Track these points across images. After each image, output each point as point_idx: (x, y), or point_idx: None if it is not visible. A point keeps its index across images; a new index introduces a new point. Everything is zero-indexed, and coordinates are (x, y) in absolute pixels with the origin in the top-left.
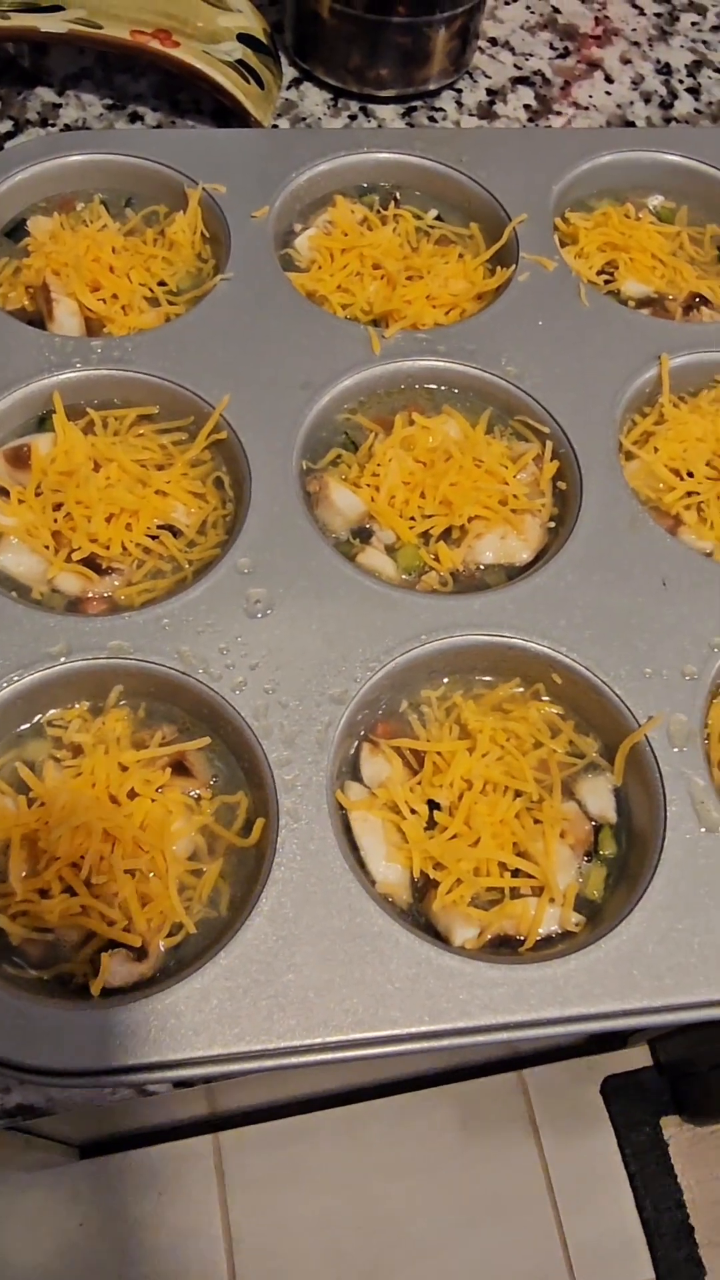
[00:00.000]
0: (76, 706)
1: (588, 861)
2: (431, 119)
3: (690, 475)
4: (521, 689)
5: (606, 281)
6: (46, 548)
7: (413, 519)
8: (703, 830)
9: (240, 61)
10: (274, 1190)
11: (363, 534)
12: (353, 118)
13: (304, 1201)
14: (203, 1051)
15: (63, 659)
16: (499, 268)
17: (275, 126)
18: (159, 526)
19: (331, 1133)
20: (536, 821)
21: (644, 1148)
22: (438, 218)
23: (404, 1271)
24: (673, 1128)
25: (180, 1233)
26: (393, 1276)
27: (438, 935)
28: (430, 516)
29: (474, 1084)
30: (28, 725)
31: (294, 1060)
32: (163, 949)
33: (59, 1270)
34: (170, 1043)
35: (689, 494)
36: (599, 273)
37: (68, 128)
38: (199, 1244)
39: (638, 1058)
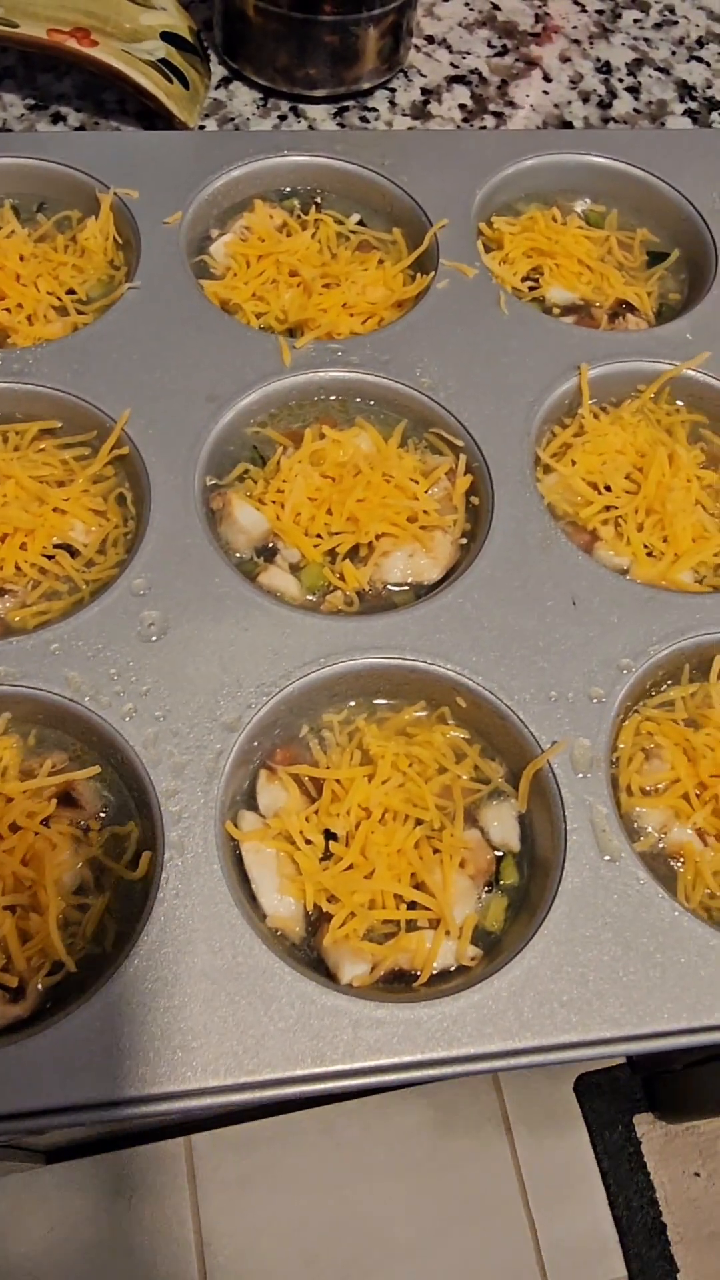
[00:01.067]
0: None
1: (489, 891)
2: (364, 119)
3: (608, 489)
4: (426, 713)
5: (531, 288)
6: None
7: (319, 536)
8: (605, 858)
9: (163, 60)
10: (247, 1193)
11: (267, 552)
12: (283, 118)
13: (277, 1204)
14: (74, 1098)
15: None
16: (419, 274)
17: (203, 128)
18: (56, 545)
19: (305, 1134)
20: (436, 851)
21: (617, 1146)
22: (360, 223)
23: (378, 1274)
24: (645, 1126)
25: (152, 1237)
26: (367, 1278)
27: (328, 972)
28: (337, 534)
29: (448, 1083)
30: None
31: (170, 1106)
32: (41, 989)
33: (29, 1275)
34: (35, 1091)
35: (607, 508)
36: (524, 279)
37: None
38: (171, 1248)
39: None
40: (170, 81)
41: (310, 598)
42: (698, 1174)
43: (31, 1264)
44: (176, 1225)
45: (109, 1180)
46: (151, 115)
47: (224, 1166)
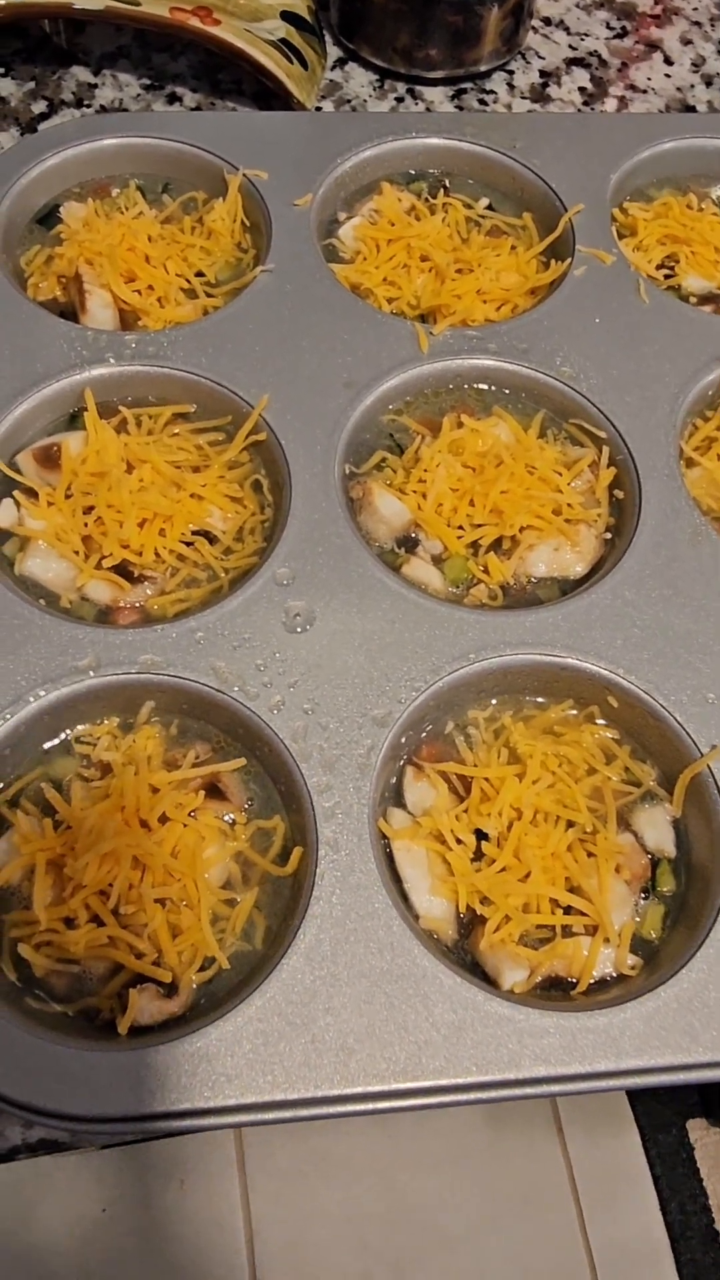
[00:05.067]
0: (105, 723)
1: (644, 899)
2: (482, 102)
3: None
4: (575, 711)
5: (666, 276)
6: (76, 553)
7: (461, 528)
8: None
9: (283, 40)
10: (296, 1181)
11: (408, 543)
12: (399, 100)
13: (327, 1192)
14: (235, 1099)
15: (91, 673)
16: (554, 261)
17: (319, 109)
18: (194, 532)
19: (356, 1124)
20: (590, 855)
21: (670, 1150)
22: (489, 207)
23: (428, 1264)
24: (699, 1131)
25: (201, 1222)
26: (417, 1269)
27: (484, 976)
28: (480, 526)
29: None
30: (55, 742)
31: (330, 1110)
32: (194, 984)
33: (82, 1256)
34: (201, 1089)
35: None
36: (658, 267)
37: (103, 109)
38: (220, 1234)
39: None
40: (290, 62)
41: (454, 590)
42: None
43: (84, 1244)
44: (226, 1212)
45: (161, 1165)
46: (268, 96)
47: (274, 1154)
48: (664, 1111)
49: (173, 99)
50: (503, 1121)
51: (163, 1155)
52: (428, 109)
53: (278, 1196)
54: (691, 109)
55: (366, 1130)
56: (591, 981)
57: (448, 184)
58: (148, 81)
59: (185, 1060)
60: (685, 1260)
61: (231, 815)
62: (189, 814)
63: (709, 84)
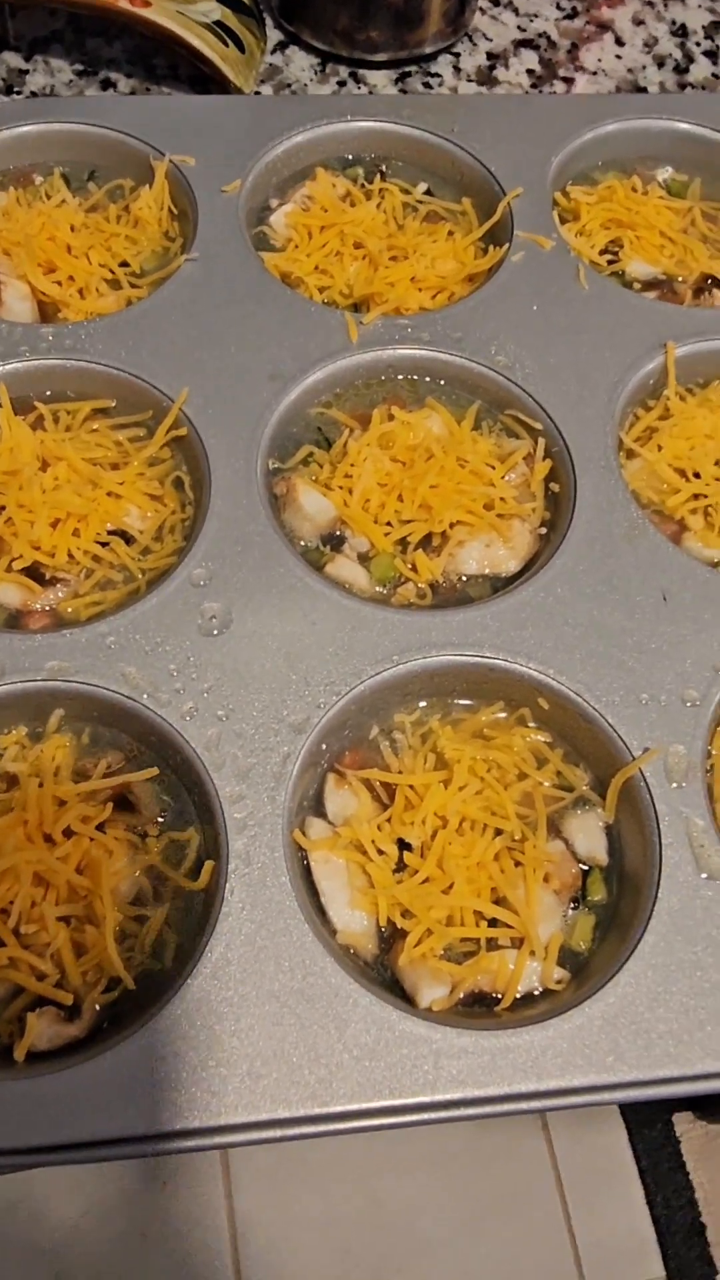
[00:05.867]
0: (13, 732)
1: (574, 908)
2: (427, 85)
3: (697, 476)
4: (505, 714)
5: (610, 262)
6: None
7: (389, 524)
8: (703, 876)
9: (218, 23)
10: (281, 1183)
11: (334, 541)
12: (342, 84)
13: (311, 1195)
14: (134, 1129)
15: None
16: (492, 247)
17: (258, 93)
18: (110, 532)
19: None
20: (518, 864)
21: (656, 1144)
22: (427, 192)
23: (411, 1268)
24: (685, 1124)
25: (185, 1225)
26: (400, 1273)
27: (404, 993)
28: (408, 522)
29: None
30: None
31: (235, 1138)
32: (97, 1007)
33: (63, 1263)
34: (98, 1118)
35: (695, 496)
36: (602, 252)
37: (34, 95)
38: (204, 1236)
39: None
40: (226, 45)
41: (380, 590)
42: None
43: (65, 1249)
44: (210, 1214)
45: (143, 1168)
46: (205, 81)
47: (258, 1156)
48: (649, 1106)
49: (106, 85)
50: (487, 1122)
51: (145, 1159)
52: (371, 93)
53: (261, 1199)
54: (643, 90)
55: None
56: (517, 996)
57: (385, 169)
58: (80, 67)
59: (83, 1088)
60: (671, 1255)
61: (143, 828)
62: (96, 827)
63: (660, 65)
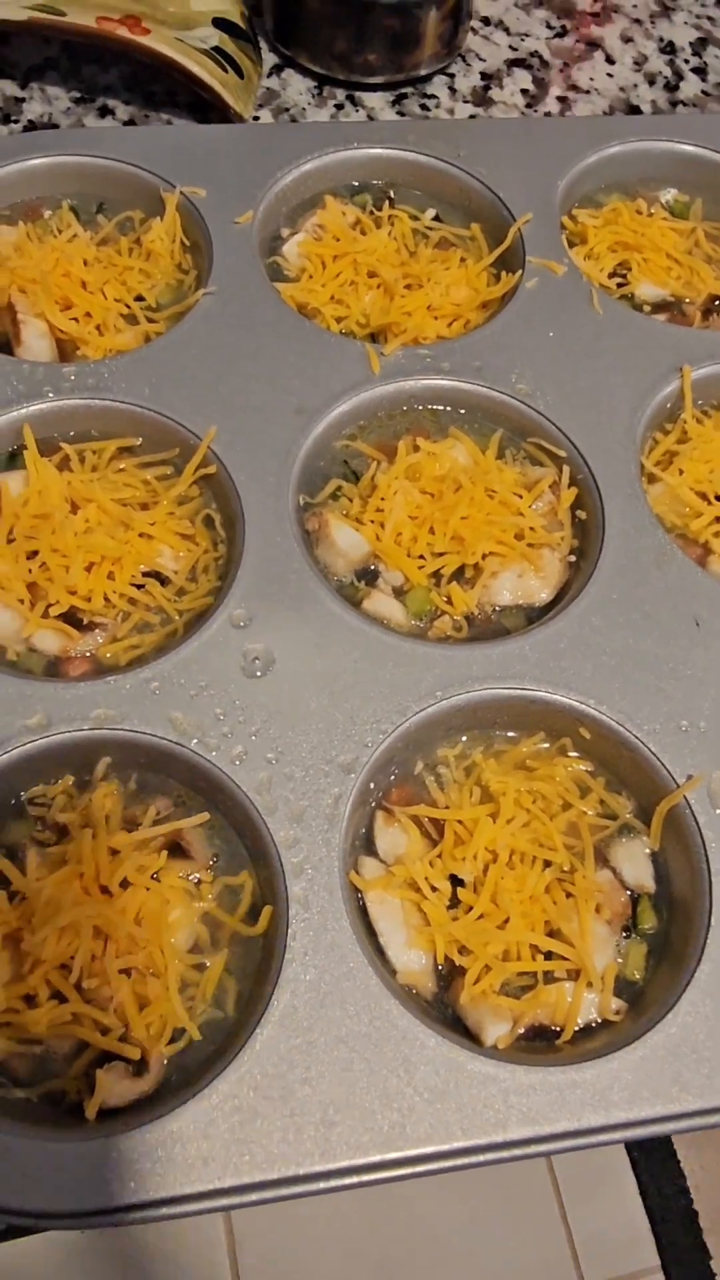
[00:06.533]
0: (60, 782)
1: (626, 938)
2: (424, 107)
3: (719, 499)
4: (547, 744)
5: (619, 285)
6: (21, 601)
7: (422, 558)
8: None
9: (216, 49)
10: None
11: (368, 576)
12: (339, 107)
13: (307, 1202)
14: (214, 1184)
15: (42, 732)
16: (504, 272)
17: (256, 119)
18: (144, 573)
19: None
20: (569, 895)
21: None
22: (436, 218)
23: (410, 1266)
24: None
25: (183, 1237)
26: (398, 1272)
27: (466, 1030)
28: (441, 554)
29: None
30: (11, 804)
31: (313, 1187)
32: (164, 1059)
33: (61, 1273)
34: (176, 1175)
35: (718, 519)
36: (610, 275)
37: (32, 125)
38: (202, 1248)
39: None
40: (225, 71)
41: (416, 624)
42: None
43: (64, 1261)
44: (207, 1225)
45: None
46: (204, 107)
47: None
48: None
49: (104, 112)
50: None
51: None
52: (369, 116)
53: (258, 1210)
54: (635, 108)
55: None
56: (576, 1028)
57: (392, 195)
58: (78, 94)
59: (158, 1145)
60: (666, 1243)
61: (197, 874)
62: (151, 876)
63: (651, 83)
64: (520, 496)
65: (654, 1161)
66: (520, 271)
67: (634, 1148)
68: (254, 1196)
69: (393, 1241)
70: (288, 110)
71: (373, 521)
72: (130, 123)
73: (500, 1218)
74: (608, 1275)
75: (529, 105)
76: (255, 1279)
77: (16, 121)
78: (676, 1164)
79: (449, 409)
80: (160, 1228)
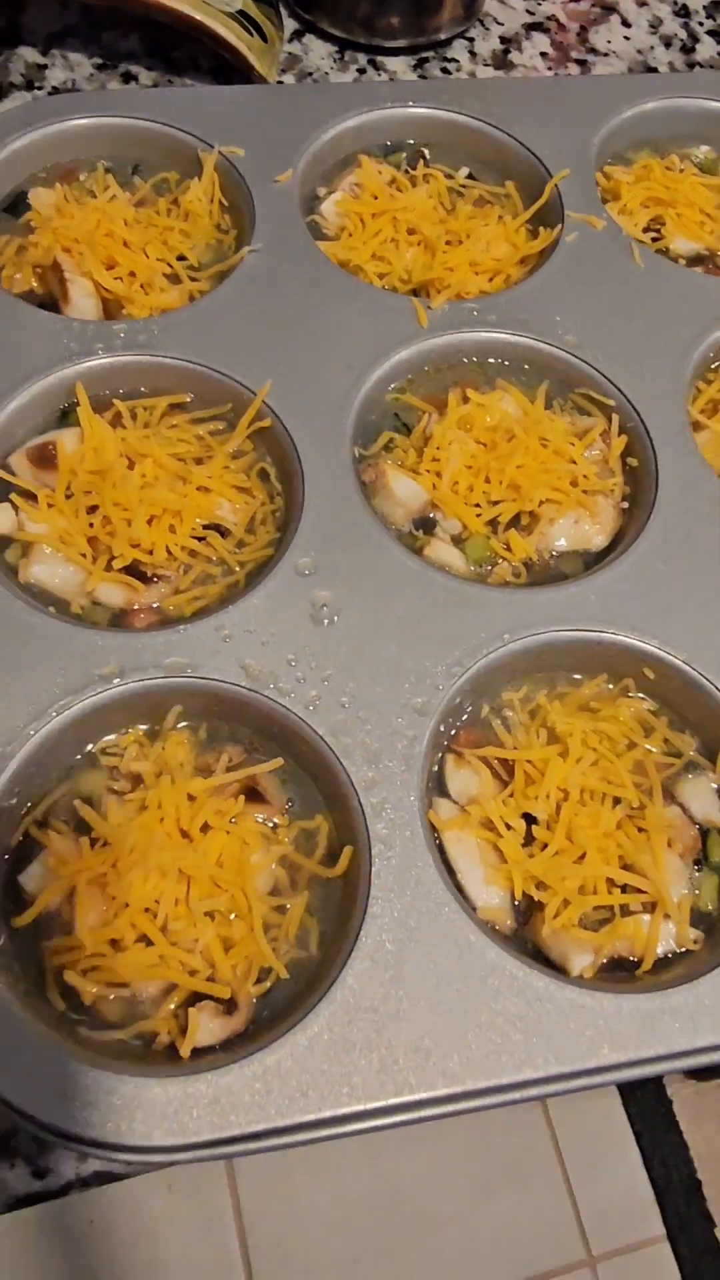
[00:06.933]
0: (131, 732)
1: (698, 870)
2: (445, 70)
3: None
4: (610, 686)
5: (654, 239)
6: (83, 555)
7: (479, 506)
8: None
9: (241, 12)
10: (284, 1175)
11: (426, 525)
12: (361, 71)
13: (314, 1183)
14: (313, 1114)
15: (116, 680)
16: (541, 228)
17: (280, 83)
18: (205, 526)
19: None
20: (641, 830)
21: (649, 1107)
22: (470, 176)
23: (419, 1245)
24: (676, 1085)
25: (192, 1224)
26: (408, 1251)
27: (548, 962)
28: (497, 503)
29: None
30: (79, 755)
31: (415, 1115)
32: (253, 998)
33: (72, 1270)
34: (276, 1107)
35: None
36: (645, 230)
37: (55, 90)
38: (212, 1234)
39: None
40: (250, 34)
41: (476, 570)
42: None
43: (74, 1257)
44: (217, 1211)
45: (145, 1175)
46: (227, 71)
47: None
48: None
49: (128, 78)
50: None
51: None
52: (391, 79)
53: (266, 1191)
54: (653, 70)
55: None
56: (655, 959)
57: (426, 154)
58: (100, 60)
59: (258, 1079)
60: (671, 1212)
61: (273, 819)
62: (230, 820)
63: (668, 45)
64: (573, 445)
65: (657, 1134)
66: (560, 226)
67: (636, 1121)
68: (353, 1127)
69: (398, 1223)
70: (310, 75)
71: (429, 471)
72: (155, 87)
73: (505, 1192)
74: (614, 1246)
75: (550, 69)
76: (263, 1259)
77: (40, 88)
78: (679, 1135)
79: (496, 361)
80: (170, 1209)
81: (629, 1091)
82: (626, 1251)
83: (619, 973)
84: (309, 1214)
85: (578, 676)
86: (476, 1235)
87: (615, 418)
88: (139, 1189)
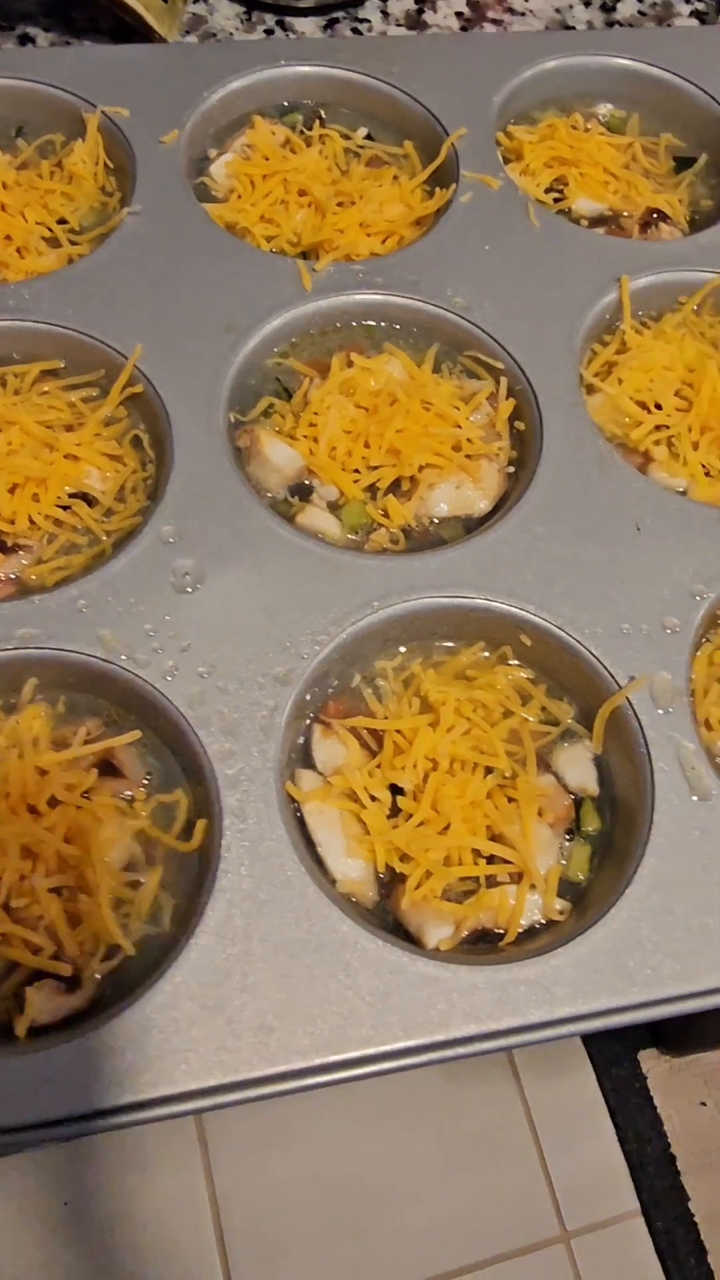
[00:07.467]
0: None
1: (569, 840)
2: (356, 31)
3: (658, 408)
4: (487, 653)
5: (556, 200)
6: None
7: (357, 471)
8: (694, 798)
9: None
10: (259, 1153)
11: (302, 491)
12: (269, 32)
13: (290, 1161)
14: (146, 1094)
15: None
16: (438, 189)
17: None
18: (71, 495)
19: (312, 1092)
20: (511, 800)
21: (623, 1082)
22: (368, 136)
23: (393, 1222)
24: (650, 1060)
25: (167, 1203)
26: (382, 1228)
27: (408, 936)
28: (376, 468)
29: None
30: None
31: (251, 1094)
32: (98, 976)
33: (48, 1250)
34: (109, 1087)
35: (658, 428)
36: (547, 190)
37: None
38: (186, 1213)
39: None
40: None
41: (352, 537)
42: (704, 1104)
43: (50, 1238)
44: (191, 1190)
45: (122, 1150)
46: (128, 32)
47: (234, 1129)
48: (615, 1046)
49: (24, 40)
50: (459, 1074)
51: (122, 1141)
52: (302, 38)
53: (240, 1170)
54: (571, 30)
55: (322, 1096)
56: (520, 930)
57: (323, 115)
58: None
59: (90, 1057)
60: (644, 1186)
61: (130, 792)
62: (82, 795)
63: (587, 4)
64: (457, 409)
65: (630, 1108)
66: (454, 186)
67: (610, 1096)
68: (190, 1105)
69: (374, 1199)
70: (215, 36)
71: (306, 436)
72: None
73: (479, 1168)
74: (588, 1220)
75: (464, 28)
76: (238, 1238)
77: None
78: (653, 1110)
79: (384, 325)
80: (144, 1192)
81: (603, 1065)
82: (600, 1226)
83: (483, 944)
84: (284, 1194)
85: (453, 644)
86: (450, 1212)
87: (503, 380)
88: (115, 1170)
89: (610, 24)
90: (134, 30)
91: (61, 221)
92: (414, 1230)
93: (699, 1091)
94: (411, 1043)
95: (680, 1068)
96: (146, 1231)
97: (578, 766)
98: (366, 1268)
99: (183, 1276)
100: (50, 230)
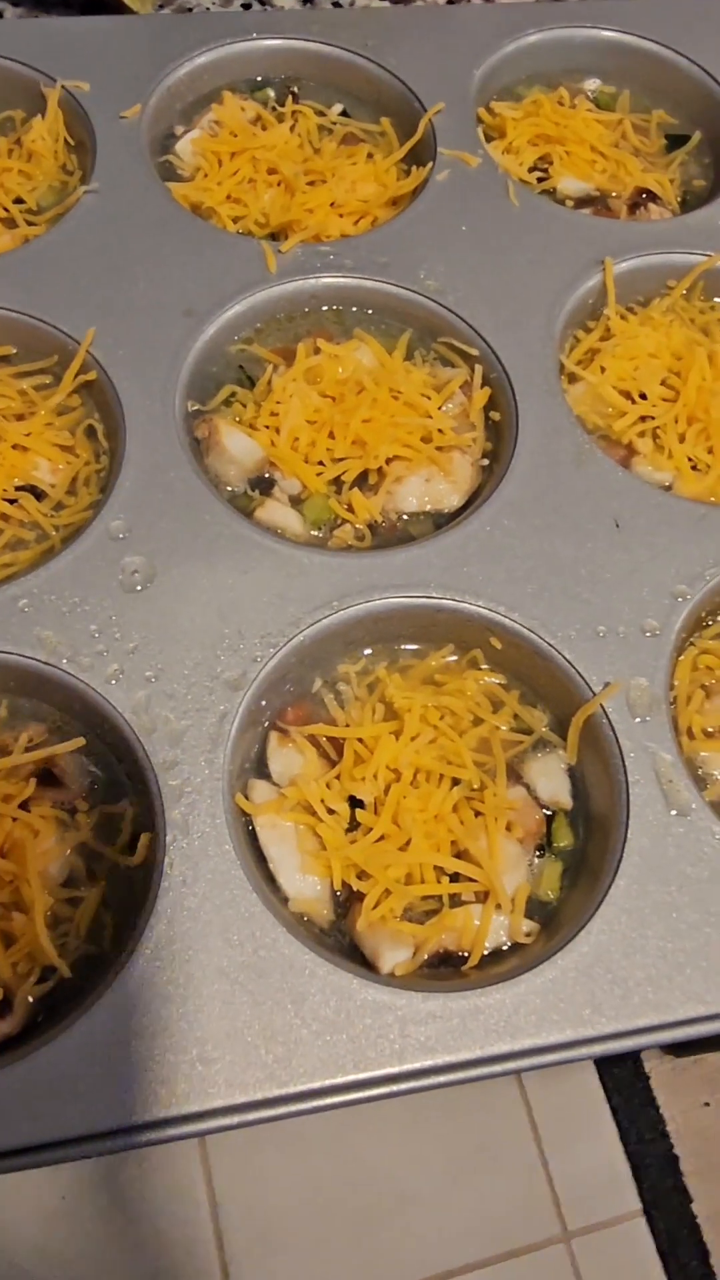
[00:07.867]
0: None
1: (540, 856)
2: (336, 4)
3: (643, 398)
4: (455, 657)
5: (540, 179)
6: None
7: (321, 464)
8: (672, 813)
9: None
10: (257, 1151)
11: (263, 484)
12: (246, 6)
13: (288, 1160)
14: (75, 1130)
15: None
16: (415, 167)
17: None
18: (18, 488)
19: None
20: (478, 814)
21: (625, 1082)
22: (343, 113)
23: (392, 1222)
24: (653, 1060)
25: (165, 1199)
26: (381, 1228)
27: (364, 959)
28: (341, 460)
29: None
30: None
31: (189, 1129)
32: (30, 999)
33: (44, 1246)
34: (33, 1122)
35: (642, 419)
36: (531, 169)
37: None
38: (184, 1209)
39: None
40: None
41: (315, 533)
42: (707, 1104)
43: (46, 1233)
44: (188, 1188)
45: None
46: (99, 6)
47: None
48: None
49: None
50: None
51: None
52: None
53: (239, 1166)
54: (561, 1)
55: None
56: (485, 953)
57: (296, 90)
58: None
59: (15, 1089)
60: (647, 1187)
61: (71, 803)
62: (19, 806)
63: None
64: (429, 398)
65: (633, 1109)
66: (430, 164)
67: (612, 1095)
68: (126, 1140)
69: (371, 1198)
70: (190, 10)
71: (267, 427)
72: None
73: (480, 1170)
74: (590, 1221)
75: (449, 1)
76: (236, 1235)
77: None
78: (656, 1110)
79: (354, 309)
80: (143, 1184)
81: (605, 1066)
82: (602, 1227)
83: (445, 968)
84: (282, 1191)
85: (420, 647)
86: (451, 1211)
87: (478, 368)
88: (112, 1165)
89: None
90: (105, 4)
91: (19, 201)
92: (413, 1229)
93: (702, 1092)
94: (361, 1076)
95: (684, 1068)
96: (144, 1225)
97: (550, 778)
98: (366, 1266)
99: (180, 1271)
100: (6, 210)
